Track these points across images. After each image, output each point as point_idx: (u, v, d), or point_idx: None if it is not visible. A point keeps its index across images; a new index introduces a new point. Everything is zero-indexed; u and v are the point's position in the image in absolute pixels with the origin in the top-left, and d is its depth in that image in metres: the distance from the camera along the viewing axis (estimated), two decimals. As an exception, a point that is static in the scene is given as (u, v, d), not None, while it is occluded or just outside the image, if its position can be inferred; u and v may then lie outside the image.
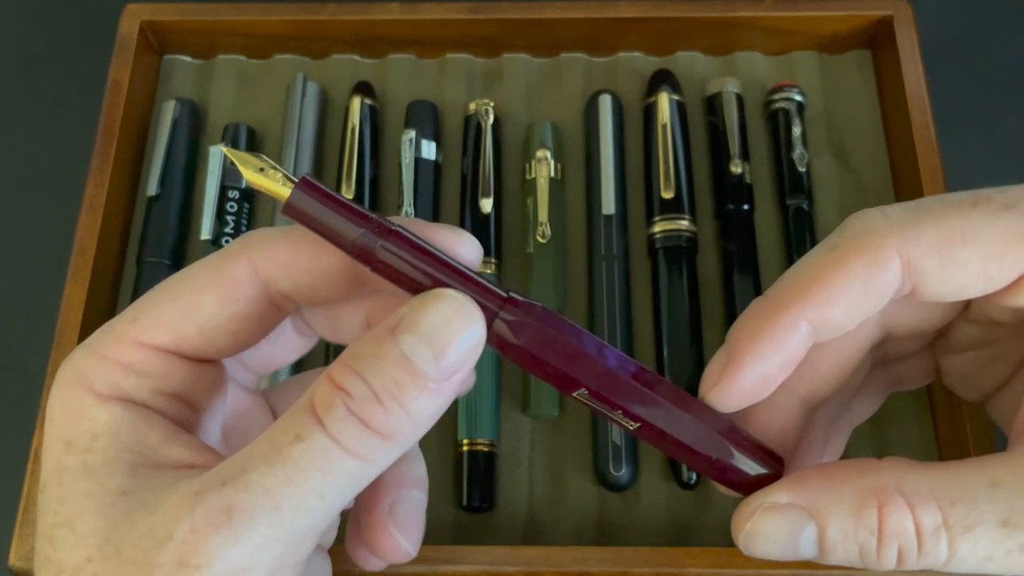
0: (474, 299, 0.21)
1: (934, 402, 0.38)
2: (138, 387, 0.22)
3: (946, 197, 0.24)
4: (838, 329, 0.24)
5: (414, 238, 0.22)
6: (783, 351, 0.23)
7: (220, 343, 0.23)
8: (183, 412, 0.23)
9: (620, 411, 0.22)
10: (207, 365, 0.24)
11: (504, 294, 0.22)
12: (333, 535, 0.28)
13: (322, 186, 0.22)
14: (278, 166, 0.22)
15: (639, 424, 0.23)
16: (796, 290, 0.23)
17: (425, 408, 0.21)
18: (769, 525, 0.22)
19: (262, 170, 0.22)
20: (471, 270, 0.22)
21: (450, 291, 0.21)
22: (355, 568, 0.33)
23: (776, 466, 0.23)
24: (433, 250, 0.22)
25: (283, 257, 0.23)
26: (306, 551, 0.21)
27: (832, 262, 0.23)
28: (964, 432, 0.35)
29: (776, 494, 0.22)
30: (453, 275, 0.22)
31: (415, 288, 0.22)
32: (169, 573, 0.19)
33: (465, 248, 0.23)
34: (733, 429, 0.23)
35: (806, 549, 0.22)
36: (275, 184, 0.22)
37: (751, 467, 0.23)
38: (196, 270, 0.23)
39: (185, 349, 0.23)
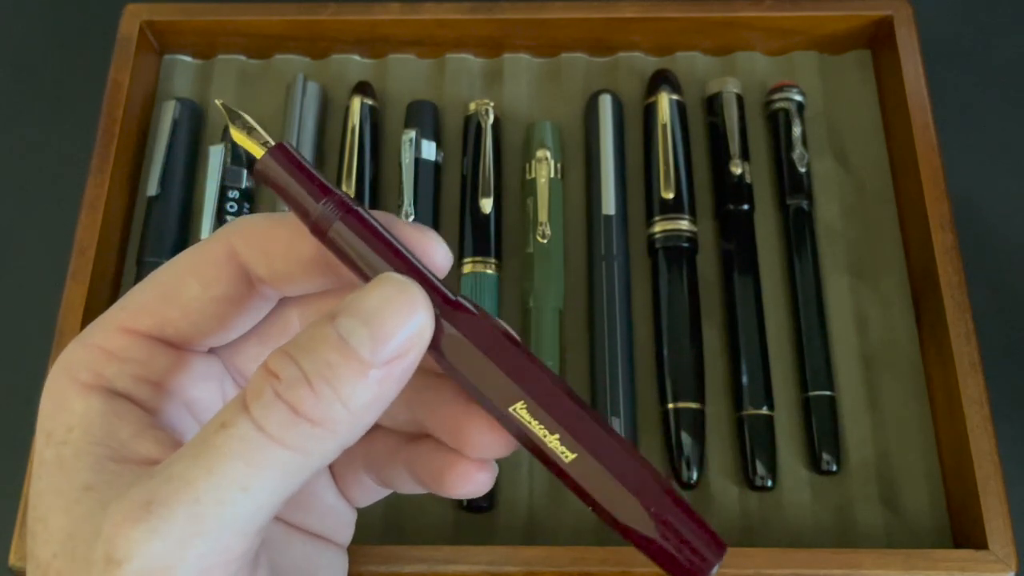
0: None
1: (934, 402, 0.38)
2: (119, 374, 0.22)
3: None
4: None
5: (374, 223, 0.21)
6: None
7: (206, 327, 0.23)
8: (165, 403, 0.23)
9: (558, 435, 0.20)
10: (197, 356, 0.24)
11: (453, 297, 0.21)
12: (350, 533, 0.28)
13: (296, 154, 0.22)
14: (263, 132, 0.22)
15: (576, 455, 0.20)
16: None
17: (361, 395, 0.19)
18: None
19: (249, 131, 0.22)
20: (424, 266, 0.21)
21: (396, 275, 0.20)
22: (361, 569, 0.33)
23: (716, 551, 0.20)
24: (390, 238, 0.21)
25: (259, 242, 0.22)
26: (238, 551, 0.20)
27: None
28: (964, 432, 0.35)
29: None
30: (404, 268, 0.21)
31: (365, 276, 0.21)
32: (101, 571, 0.19)
33: (433, 249, 0.22)
34: (671, 488, 0.21)
35: None
36: (255, 145, 0.22)
37: (687, 538, 0.20)
38: (180, 256, 0.23)
39: (170, 334, 0.23)
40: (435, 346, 0.21)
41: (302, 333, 0.20)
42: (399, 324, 0.20)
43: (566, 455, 0.20)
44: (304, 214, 0.21)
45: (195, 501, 0.19)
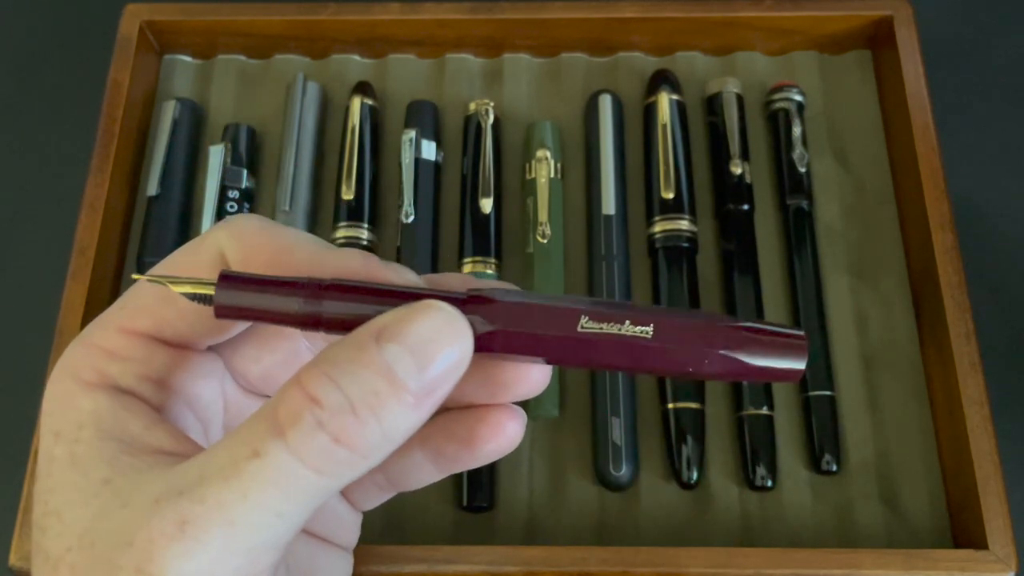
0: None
1: (934, 402, 0.38)
2: (122, 372, 0.22)
3: None
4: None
5: (352, 283, 0.21)
6: None
7: (202, 328, 0.23)
8: (169, 400, 0.23)
9: (628, 320, 0.21)
10: (195, 354, 0.24)
11: (463, 295, 0.21)
12: (355, 535, 0.28)
13: (243, 274, 0.21)
14: (179, 278, 0.22)
15: (652, 326, 0.21)
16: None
17: (401, 424, 0.20)
18: None
19: (184, 284, 0.22)
20: (420, 288, 0.22)
21: (441, 303, 0.20)
22: (361, 569, 0.33)
23: (800, 338, 0.22)
24: (375, 286, 0.21)
25: (245, 246, 0.22)
26: (267, 563, 0.20)
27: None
28: (964, 432, 0.35)
29: None
30: (408, 301, 0.21)
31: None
32: None
33: (397, 276, 0.22)
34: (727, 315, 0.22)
35: None
36: (203, 287, 0.21)
37: (774, 341, 0.21)
38: (175, 256, 0.23)
39: (168, 334, 0.23)
40: (482, 344, 0.21)
41: (341, 351, 0.20)
42: (444, 356, 0.20)
43: (645, 332, 0.21)
44: (289, 319, 0.21)
45: (230, 524, 0.19)
